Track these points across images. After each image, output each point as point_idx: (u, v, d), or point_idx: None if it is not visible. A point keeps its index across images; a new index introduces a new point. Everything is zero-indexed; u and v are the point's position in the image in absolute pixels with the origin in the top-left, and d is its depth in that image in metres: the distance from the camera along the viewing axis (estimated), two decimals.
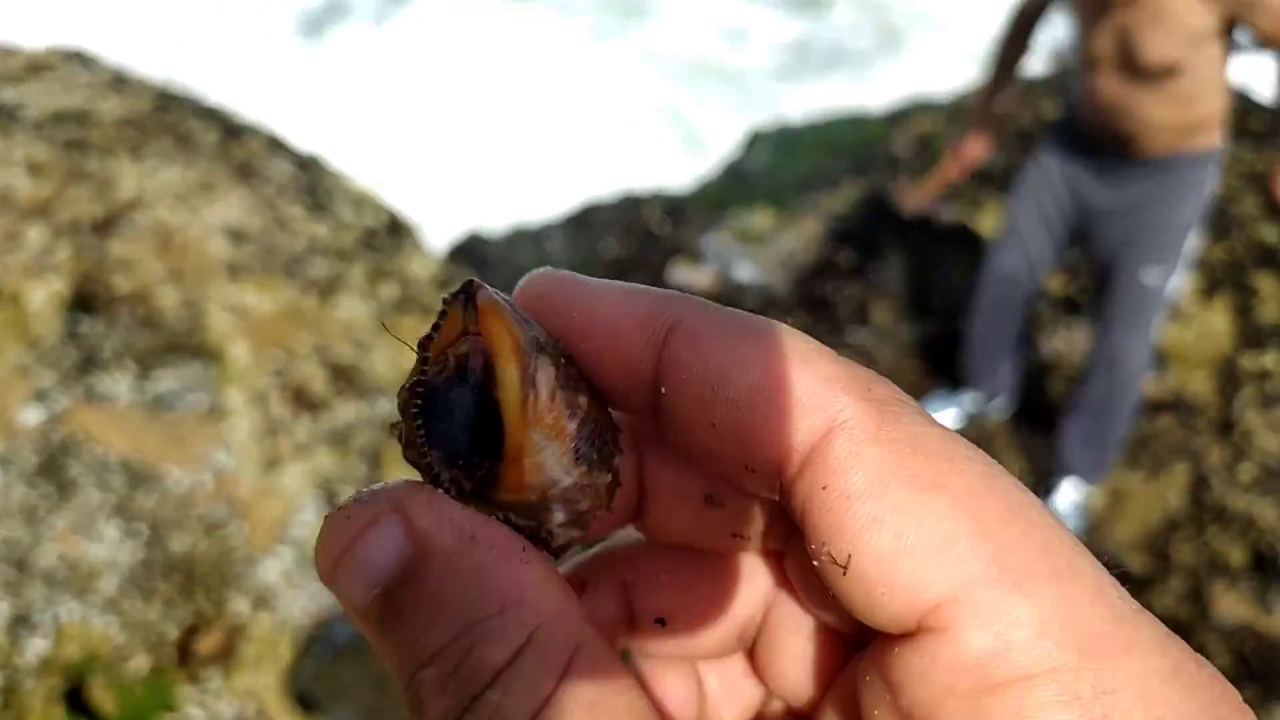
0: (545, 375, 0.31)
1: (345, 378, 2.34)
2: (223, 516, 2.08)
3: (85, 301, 2.27)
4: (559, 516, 0.33)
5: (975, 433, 4.09)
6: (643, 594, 0.38)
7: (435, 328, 0.32)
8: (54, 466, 2.06)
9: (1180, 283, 3.22)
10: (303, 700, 1.97)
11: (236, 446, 2.17)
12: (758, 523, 0.36)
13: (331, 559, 0.30)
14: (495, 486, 0.32)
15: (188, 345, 2.27)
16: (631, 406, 0.34)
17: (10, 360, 2.16)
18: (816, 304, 4.72)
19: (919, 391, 4.24)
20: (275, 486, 2.14)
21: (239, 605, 2.02)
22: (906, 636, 0.29)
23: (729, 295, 4.77)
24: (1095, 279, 3.41)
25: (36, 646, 1.89)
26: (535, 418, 0.31)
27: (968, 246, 4.84)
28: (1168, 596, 3.64)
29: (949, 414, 4.09)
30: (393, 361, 2.43)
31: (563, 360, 0.32)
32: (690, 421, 0.32)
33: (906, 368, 4.36)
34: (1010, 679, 0.27)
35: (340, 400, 2.31)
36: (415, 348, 0.33)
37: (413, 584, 0.29)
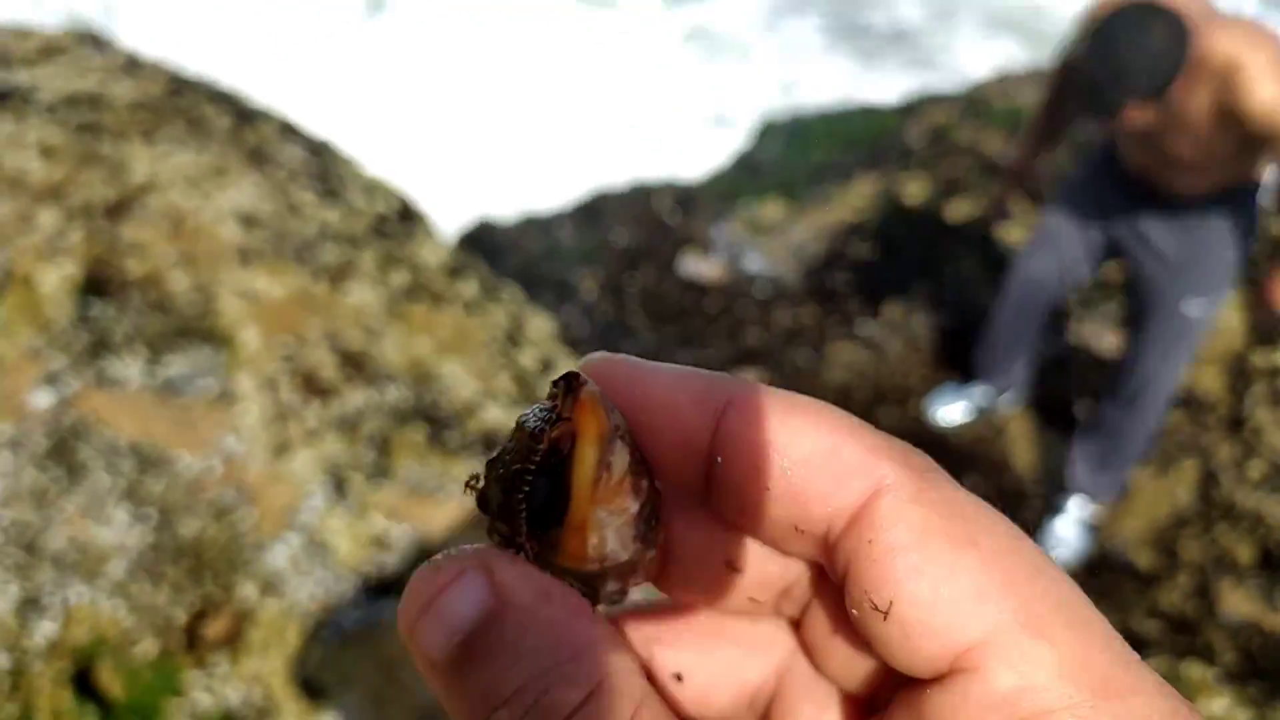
0: (620, 460, 0.35)
1: (355, 364, 2.34)
2: (232, 502, 2.09)
3: (97, 285, 2.28)
4: (611, 586, 0.37)
5: (985, 425, 4.08)
6: (664, 649, 0.41)
7: (547, 412, 0.35)
8: (64, 450, 2.07)
9: (1217, 311, 3.20)
10: (309, 686, 1.98)
11: (246, 432, 2.17)
12: (773, 589, 0.40)
13: (419, 605, 0.33)
14: (556, 553, 0.35)
15: (198, 330, 2.28)
16: (683, 477, 0.37)
17: (21, 343, 2.17)
18: (826, 296, 4.71)
19: (929, 384, 4.23)
20: (284, 472, 2.14)
21: (247, 590, 2.02)
22: (938, 679, 0.32)
23: (738, 286, 4.77)
24: (1131, 298, 3.37)
25: (45, 629, 1.90)
26: (604, 496, 0.35)
27: (979, 239, 4.82)
28: (1175, 593, 3.63)
29: (959, 406, 4.09)
30: (402, 348, 2.43)
31: (634, 447, 0.36)
32: (744, 488, 0.35)
33: (916, 360, 4.34)
34: (1033, 714, 0.30)
35: (350, 387, 2.31)
36: (517, 426, 0.36)
37: (491, 634, 0.32)
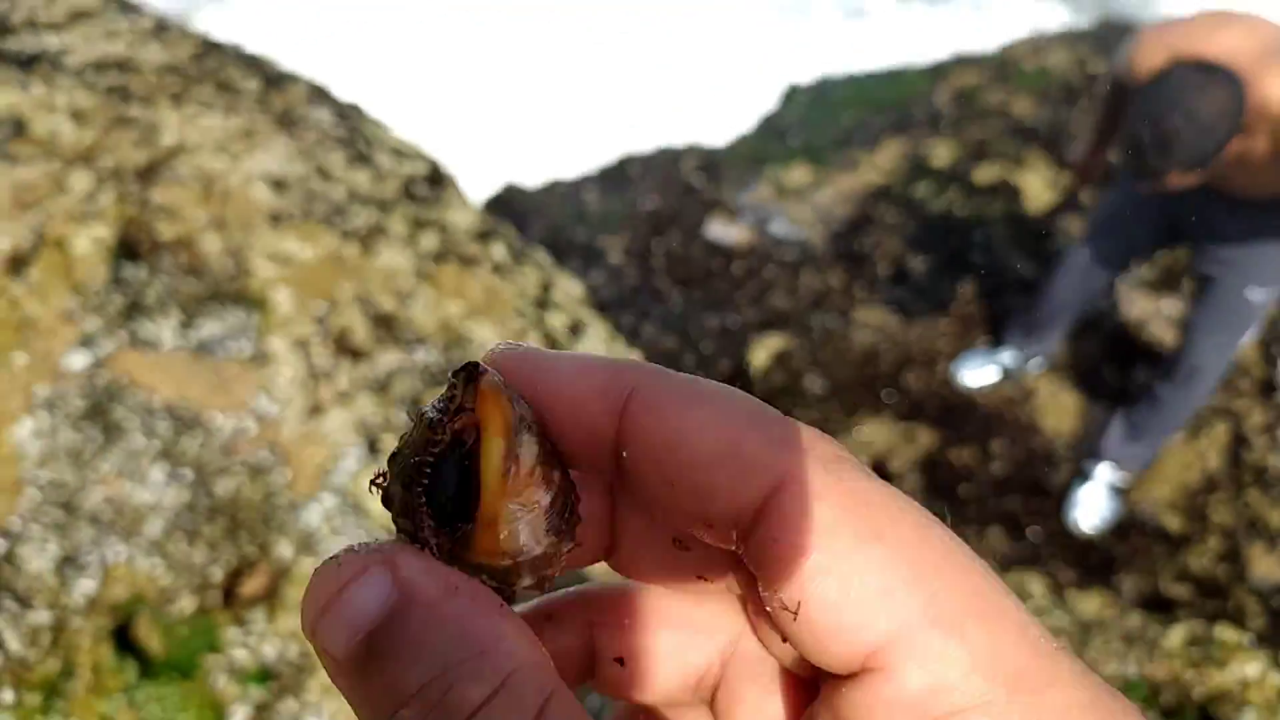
0: (528, 452, 0.34)
1: (386, 326, 2.35)
2: (266, 462, 2.10)
3: (129, 248, 2.29)
4: (526, 580, 0.36)
5: (1014, 387, 4.07)
6: (606, 634, 0.40)
7: (445, 403, 0.34)
8: (100, 411, 2.09)
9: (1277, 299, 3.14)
10: None
11: (279, 393, 2.19)
12: (722, 566, 0.38)
13: (321, 603, 0.32)
14: (468, 548, 0.34)
15: (231, 292, 2.29)
16: (595, 468, 0.36)
17: (56, 305, 2.19)
18: (853, 259, 4.68)
19: (957, 347, 4.21)
20: (318, 433, 2.16)
21: (282, 549, 2.04)
22: (852, 676, 0.32)
23: (765, 250, 4.74)
24: (1196, 281, 3.31)
25: (84, 586, 1.93)
26: (514, 489, 0.34)
27: (1008, 203, 4.77)
28: (1204, 557, 3.61)
29: (990, 370, 4.07)
30: (432, 310, 2.43)
31: (543, 438, 0.35)
32: (650, 481, 0.34)
33: (943, 323, 4.32)
34: (946, 714, 0.30)
35: (381, 348, 2.32)
36: (412, 416, 0.36)
37: (396, 629, 0.31)
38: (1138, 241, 3.33)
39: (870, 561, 0.31)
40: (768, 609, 0.33)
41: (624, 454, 0.35)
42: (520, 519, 0.34)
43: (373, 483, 0.37)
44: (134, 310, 2.21)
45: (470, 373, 0.34)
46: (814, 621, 0.32)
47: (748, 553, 0.34)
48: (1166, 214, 3.14)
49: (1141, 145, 2.53)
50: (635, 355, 2.92)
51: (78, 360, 2.14)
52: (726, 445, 0.33)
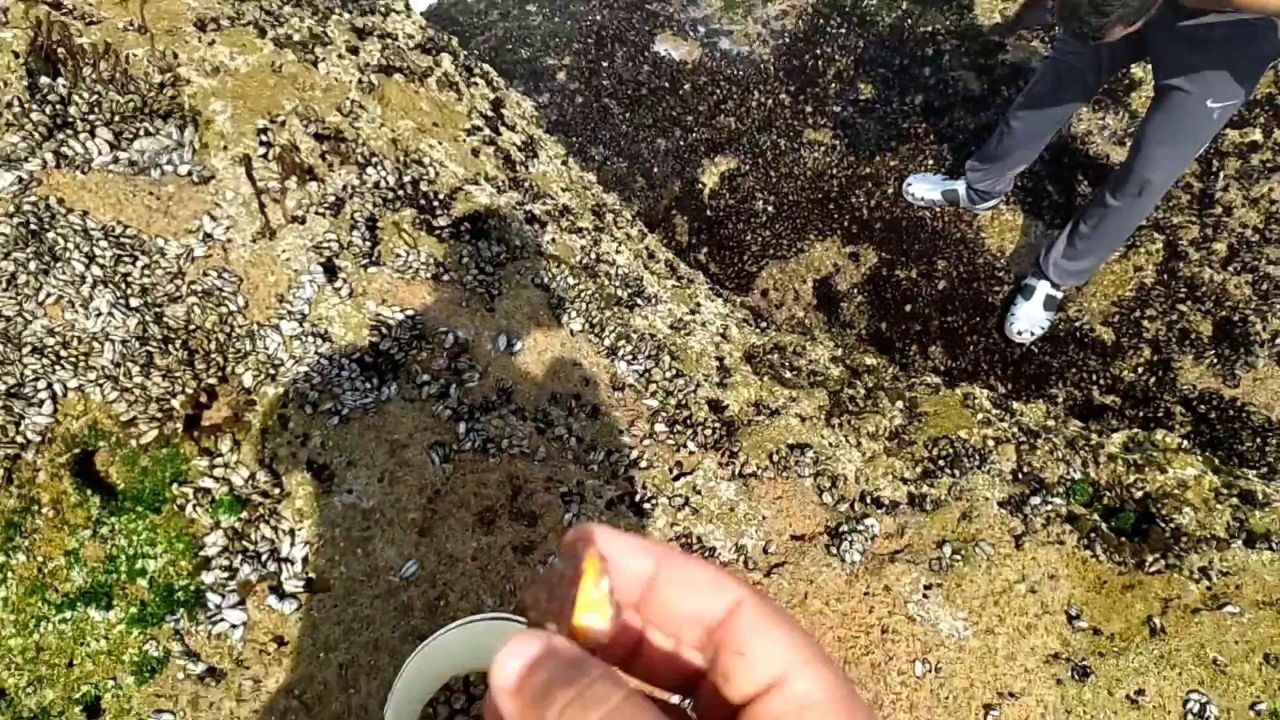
0: (605, 585, 0.58)
1: (333, 143, 2.22)
2: (218, 287, 2.00)
3: (45, 58, 2.10)
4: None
5: (963, 210, 4.06)
6: None
7: (571, 560, 0.59)
8: (33, 236, 1.95)
9: (1232, 113, 3.11)
10: (314, 468, 1.97)
11: (225, 215, 2.07)
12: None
13: (505, 656, 0.55)
14: (565, 636, 0.57)
15: (161, 106, 2.13)
16: (632, 597, 0.62)
17: None
18: (801, 76, 4.56)
19: (905, 169, 4.17)
20: (270, 257, 2.06)
21: (243, 377, 1.97)
22: (762, 694, 0.56)
23: (714, 67, 4.59)
24: (1155, 92, 3.25)
25: (36, 421, 1.84)
26: (597, 604, 0.57)
27: (960, 17, 4.66)
28: (1135, 367, 3.74)
29: (935, 194, 4.06)
30: (382, 128, 2.30)
31: (611, 580, 0.59)
32: (664, 605, 0.60)
33: (893, 143, 4.27)
34: (810, 706, 0.54)
35: (329, 167, 2.19)
36: (554, 571, 0.60)
37: (545, 664, 0.54)
38: (1104, 60, 3.28)
39: (778, 634, 0.57)
40: (725, 658, 0.58)
41: (654, 582, 0.60)
42: (598, 624, 0.57)
43: (528, 620, 0.61)
44: (58, 126, 2.04)
45: (585, 538, 0.59)
46: (751, 661, 0.56)
47: (714, 641, 0.59)
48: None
49: (1078, 10, 2.54)
50: (590, 177, 2.82)
51: (0, 181, 1.98)
52: (709, 581, 0.59)
